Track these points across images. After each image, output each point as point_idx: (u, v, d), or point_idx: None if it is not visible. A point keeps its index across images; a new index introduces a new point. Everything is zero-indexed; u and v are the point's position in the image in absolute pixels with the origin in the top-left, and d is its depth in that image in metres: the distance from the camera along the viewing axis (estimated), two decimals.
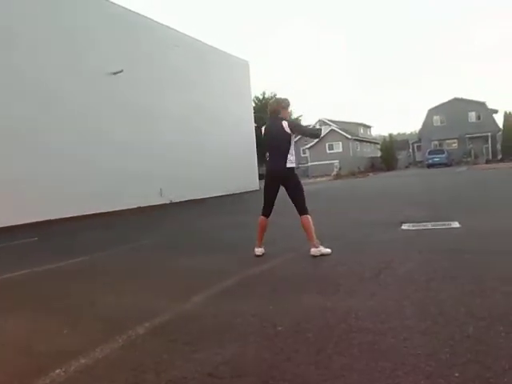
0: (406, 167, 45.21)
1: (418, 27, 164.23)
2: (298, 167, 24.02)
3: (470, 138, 42.48)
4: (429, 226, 5.91)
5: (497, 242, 4.59)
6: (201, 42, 19.50)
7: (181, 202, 16.04)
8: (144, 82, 15.70)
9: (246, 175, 21.40)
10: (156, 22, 16.95)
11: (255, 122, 24.31)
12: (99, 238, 8.08)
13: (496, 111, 44.05)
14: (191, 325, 2.73)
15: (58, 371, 2.18)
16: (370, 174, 34.76)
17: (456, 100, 44.47)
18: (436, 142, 44.41)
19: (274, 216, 4.86)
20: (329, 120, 48.22)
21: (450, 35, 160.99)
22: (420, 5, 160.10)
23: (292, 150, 4.67)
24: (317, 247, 4.49)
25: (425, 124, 46.65)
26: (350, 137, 44.05)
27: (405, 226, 6.00)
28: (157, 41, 16.61)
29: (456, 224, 5.83)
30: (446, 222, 5.99)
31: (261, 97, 43.02)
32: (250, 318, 2.75)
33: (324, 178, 30.86)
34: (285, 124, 4.60)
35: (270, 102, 5.00)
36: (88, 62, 13.57)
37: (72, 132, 12.75)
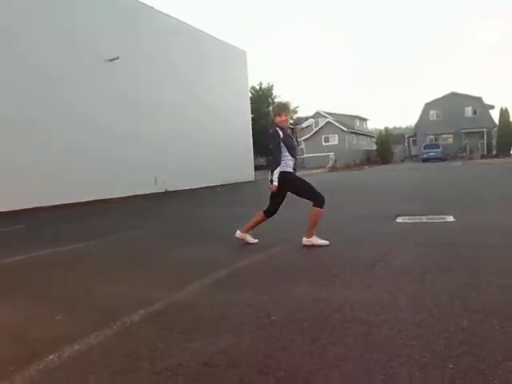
0: (402, 161, 45.30)
1: (418, 27, 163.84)
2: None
3: (465, 133, 42.53)
4: (424, 219, 5.94)
5: (491, 237, 4.62)
6: (199, 30, 19.33)
7: (177, 191, 16.05)
8: (142, 72, 15.65)
9: (241, 166, 21.36)
10: (157, 10, 16.82)
11: (252, 112, 24.18)
12: (95, 226, 8.06)
13: (492, 107, 44.07)
14: (186, 314, 2.72)
15: (51, 357, 2.17)
16: (366, 167, 34.83)
17: (453, 94, 44.42)
18: (432, 137, 44.48)
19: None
20: (325, 112, 48.12)
21: (450, 35, 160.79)
22: (420, 5, 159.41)
23: (285, 153, 4.50)
24: (308, 238, 4.51)
25: (421, 118, 46.62)
26: (346, 129, 44.05)
27: (400, 219, 6.03)
28: (157, 30, 16.48)
29: (451, 218, 5.87)
30: (441, 216, 6.03)
31: (257, 87, 42.75)
32: (245, 308, 2.74)
33: (319, 170, 30.84)
34: (271, 131, 4.53)
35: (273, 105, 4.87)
36: (86, 49, 13.51)
37: (72, 123, 12.85)
